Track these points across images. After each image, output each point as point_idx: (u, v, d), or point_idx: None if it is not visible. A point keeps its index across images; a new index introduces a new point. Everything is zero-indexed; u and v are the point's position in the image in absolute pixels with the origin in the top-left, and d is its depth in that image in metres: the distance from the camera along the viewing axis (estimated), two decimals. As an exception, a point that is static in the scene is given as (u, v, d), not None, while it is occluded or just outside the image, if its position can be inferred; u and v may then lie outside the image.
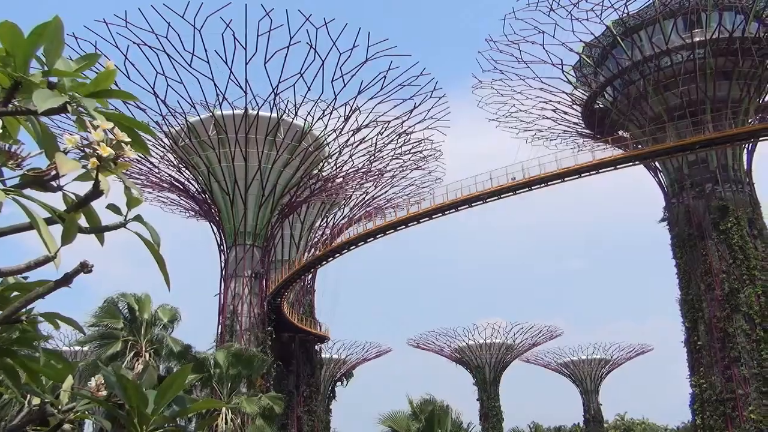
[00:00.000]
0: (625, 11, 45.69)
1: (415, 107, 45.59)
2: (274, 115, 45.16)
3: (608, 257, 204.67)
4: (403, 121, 47.30)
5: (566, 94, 52.89)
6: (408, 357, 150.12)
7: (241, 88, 42.21)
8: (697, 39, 45.31)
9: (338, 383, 79.75)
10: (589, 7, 44.74)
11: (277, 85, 42.09)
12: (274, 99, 43.44)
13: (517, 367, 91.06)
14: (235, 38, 39.08)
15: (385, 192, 59.26)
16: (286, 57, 39.93)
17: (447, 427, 22.13)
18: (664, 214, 49.58)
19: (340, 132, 47.09)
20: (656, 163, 49.74)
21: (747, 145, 47.19)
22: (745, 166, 47.50)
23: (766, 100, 48.80)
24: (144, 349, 23.19)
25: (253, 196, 47.49)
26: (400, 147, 50.67)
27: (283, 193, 48.69)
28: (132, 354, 22.98)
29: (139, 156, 1.82)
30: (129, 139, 1.64)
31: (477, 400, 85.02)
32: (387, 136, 48.94)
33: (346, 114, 45.37)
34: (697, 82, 45.78)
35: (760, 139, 44.82)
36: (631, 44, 47.13)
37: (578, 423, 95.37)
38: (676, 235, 47.52)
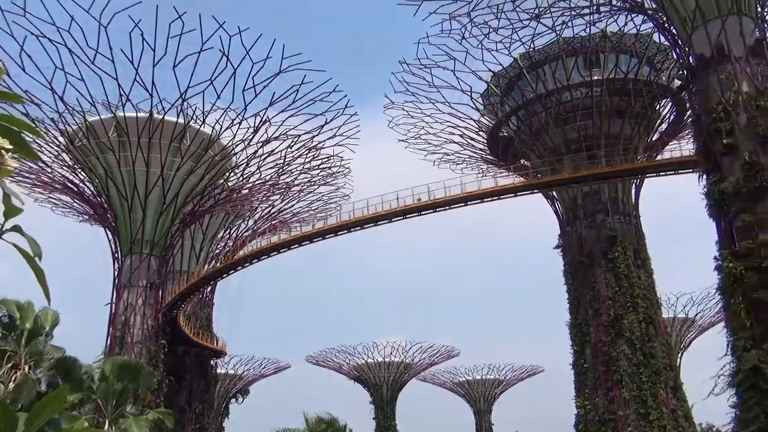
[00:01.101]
0: (532, 46, 47.82)
1: (326, 123, 45.69)
2: (181, 120, 43.79)
3: (508, 280, 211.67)
4: (314, 136, 47.22)
5: (474, 120, 54.50)
6: (307, 374, 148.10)
7: (147, 91, 40.76)
8: (596, 78, 48.03)
9: (233, 400, 77.64)
10: (499, 39, 46.48)
11: (186, 91, 40.92)
12: (182, 104, 42.18)
13: (414, 385, 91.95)
14: (143, 38, 37.74)
15: (292, 206, 58.73)
16: (196, 62, 38.99)
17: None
18: (559, 241, 51.89)
19: (249, 143, 46.30)
20: (554, 192, 52.07)
21: (635, 181, 50.35)
22: (633, 200, 50.58)
23: (653, 139, 52.31)
24: (24, 361, 21.62)
25: (153, 203, 45.70)
26: (309, 162, 50.47)
27: (185, 202, 47.14)
28: (9, 365, 21.36)
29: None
30: (10, 147, 1.54)
31: (373, 418, 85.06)
32: (296, 150, 48.64)
33: (256, 125, 44.71)
34: (594, 118, 48.43)
35: (647, 175, 47.96)
36: (535, 77, 49.33)
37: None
38: (569, 261, 49.82)
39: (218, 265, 53.69)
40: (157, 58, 38.49)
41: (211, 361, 60.54)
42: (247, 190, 52.16)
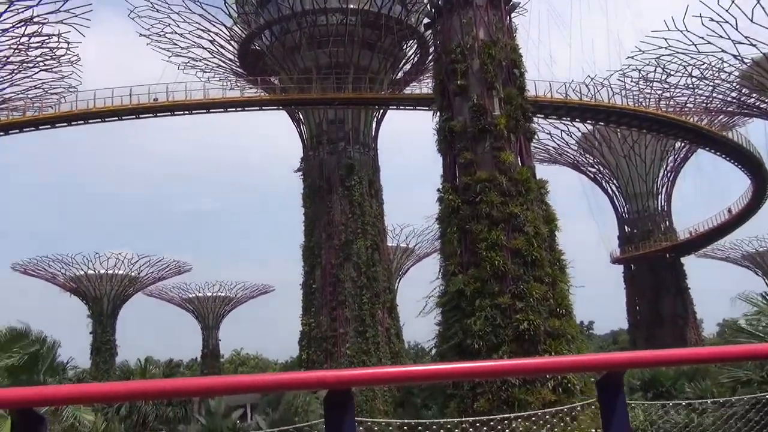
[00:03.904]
0: (293, -41, 46.10)
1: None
2: None
3: (245, 200, 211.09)
4: (31, 7, 39.74)
5: (226, 27, 51.52)
6: (12, 284, 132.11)
7: None
8: (352, 6, 48.22)
9: None
10: (261, -57, 43.86)
11: None
12: None
13: (140, 300, 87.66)
14: None
15: (2, 89, 49.90)
16: None
17: (44, 362, 19.71)
18: (301, 165, 52.39)
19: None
20: (300, 115, 52.06)
21: (377, 114, 52.51)
22: (373, 133, 52.89)
23: (397, 77, 54.78)
24: None
25: None
26: (27, 38, 42.61)
27: None
28: None
29: None
30: None
31: (90, 333, 79.54)
32: (8, 21, 40.71)
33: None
34: (346, 47, 48.93)
35: (390, 107, 50.22)
36: (294, -7, 47.89)
37: (196, 358, 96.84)
38: (308, 186, 50.66)
39: None
40: None
41: None
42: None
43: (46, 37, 42.90)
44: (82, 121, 40.29)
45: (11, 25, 41.00)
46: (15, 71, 46.29)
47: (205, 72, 56.53)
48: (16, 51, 43.53)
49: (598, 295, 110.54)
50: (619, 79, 53.22)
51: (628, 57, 51.47)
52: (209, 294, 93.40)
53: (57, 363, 22.69)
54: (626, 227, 69.67)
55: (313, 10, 47.82)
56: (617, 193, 70.19)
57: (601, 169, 70.04)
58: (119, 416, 28.49)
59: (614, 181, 69.82)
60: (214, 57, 54.48)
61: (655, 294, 65.01)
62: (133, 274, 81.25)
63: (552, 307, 23.78)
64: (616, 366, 1.93)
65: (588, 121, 51.40)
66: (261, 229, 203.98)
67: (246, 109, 43.31)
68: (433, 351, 27.18)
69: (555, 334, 23.38)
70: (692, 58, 48.80)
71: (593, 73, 50.94)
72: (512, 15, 30.06)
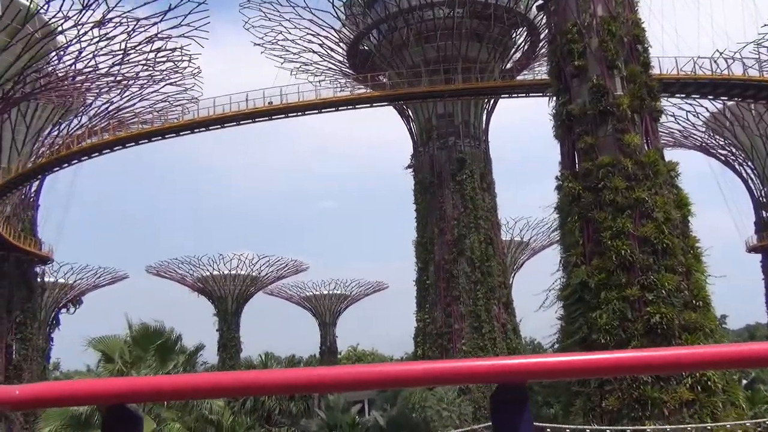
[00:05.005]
0: (398, -44, 45.94)
1: (170, 9, 40.45)
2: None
3: (359, 199, 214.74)
4: (156, 23, 41.99)
5: (334, 30, 52.22)
6: (148, 285, 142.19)
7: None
8: (458, -2, 47.43)
9: (64, 310, 72.61)
10: (365, -56, 44.03)
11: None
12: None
13: (260, 298, 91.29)
14: None
15: (133, 104, 53.30)
16: None
17: (172, 355, 20.62)
18: (411, 161, 52.19)
19: (79, 23, 40.25)
20: (409, 112, 51.86)
21: (487, 106, 51.29)
22: (483, 126, 51.73)
23: (508, 66, 53.27)
24: None
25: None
26: (154, 53, 45.26)
27: (-3, 84, 40.51)
28: None
29: None
30: None
31: (217, 330, 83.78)
32: (137, 39, 43.39)
33: (86, 1, 38.55)
34: (453, 40, 48.17)
35: (501, 95, 48.91)
36: (400, -9, 47.79)
37: (315, 354, 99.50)
38: (419, 181, 50.37)
39: (41, 160, 48.06)
40: None
41: (36, 268, 55.50)
42: (80, 80, 46.06)
43: (170, 52, 45.27)
44: (204, 128, 42.19)
45: (139, 42, 43.58)
46: (144, 86, 49.38)
47: (316, 75, 57.68)
48: (145, 67, 46.33)
49: (732, 287, 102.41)
50: (752, 51, 48.84)
51: (765, 25, 47.12)
52: (326, 292, 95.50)
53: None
54: (764, 212, 64.04)
55: (420, 6, 47.47)
56: (752, 176, 64.62)
57: (734, 150, 64.72)
58: (245, 409, 29.47)
59: (749, 163, 64.31)
60: (324, 60, 55.44)
61: (799, 285, 59.34)
62: (254, 273, 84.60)
63: (687, 299, 21.96)
64: None
65: (720, 98, 47.51)
66: (375, 226, 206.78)
67: (356, 106, 43.65)
68: (555, 346, 25.97)
69: (691, 328, 21.57)
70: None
71: (724, 47, 46.86)
72: (632, -12, 28.17)
